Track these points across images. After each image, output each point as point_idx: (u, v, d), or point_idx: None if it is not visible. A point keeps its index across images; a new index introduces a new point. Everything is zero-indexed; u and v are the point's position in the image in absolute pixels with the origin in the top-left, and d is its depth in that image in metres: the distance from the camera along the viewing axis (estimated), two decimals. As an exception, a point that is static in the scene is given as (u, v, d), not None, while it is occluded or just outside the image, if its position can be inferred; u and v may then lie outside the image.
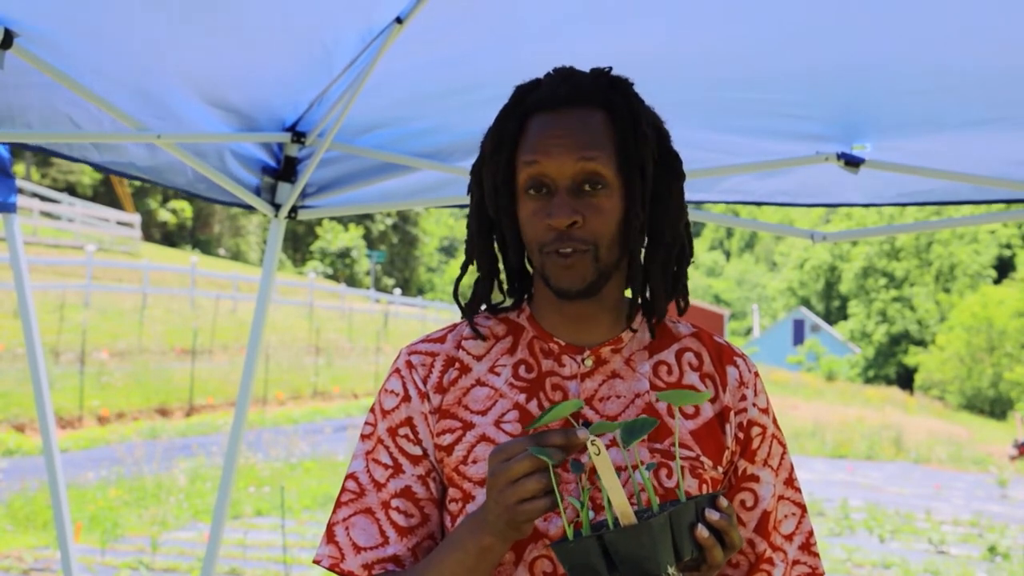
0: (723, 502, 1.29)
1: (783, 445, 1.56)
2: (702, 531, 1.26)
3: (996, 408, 40.57)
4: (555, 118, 1.44)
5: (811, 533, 1.57)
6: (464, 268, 1.57)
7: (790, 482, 1.56)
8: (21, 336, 13.77)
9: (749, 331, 67.39)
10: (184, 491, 11.41)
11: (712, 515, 1.27)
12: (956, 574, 9.95)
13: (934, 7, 2.16)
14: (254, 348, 3.05)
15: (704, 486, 1.45)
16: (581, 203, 1.41)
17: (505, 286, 1.54)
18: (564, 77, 1.48)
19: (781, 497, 1.54)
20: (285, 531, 8.55)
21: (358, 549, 1.48)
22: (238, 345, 22.39)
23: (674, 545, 1.24)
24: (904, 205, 3.16)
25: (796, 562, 1.54)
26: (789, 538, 1.54)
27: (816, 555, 1.56)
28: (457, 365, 1.50)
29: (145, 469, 12.06)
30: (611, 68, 1.50)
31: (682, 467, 1.43)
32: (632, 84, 1.49)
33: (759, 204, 3.22)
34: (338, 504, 1.51)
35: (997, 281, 52.67)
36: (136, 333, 21.28)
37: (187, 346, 20.53)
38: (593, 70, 1.49)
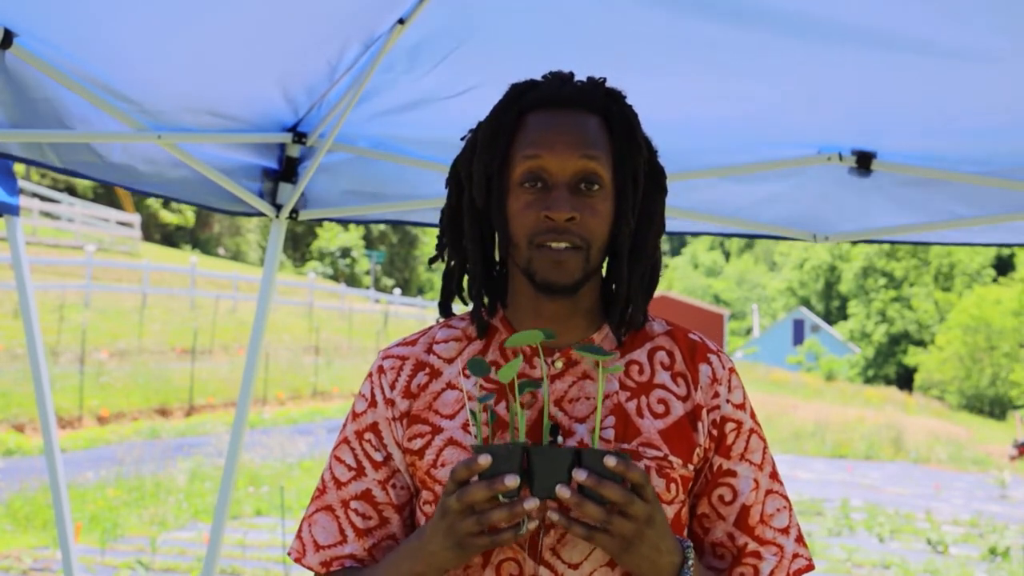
0: (610, 460, 1.30)
1: (763, 440, 1.56)
2: (562, 490, 1.30)
3: (996, 408, 40.57)
4: (555, 116, 1.46)
5: (799, 525, 1.58)
6: (431, 261, 1.59)
7: (775, 476, 1.57)
8: (21, 336, 13.79)
9: (749, 331, 67.38)
10: (184, 491, 11.40)
11: (578, 474, 1.30)
12: (956, 574, 9.95)
13: (939, 11, 2.16)
14: (255, 348, 3.04)
15: (672, 485, 1.46)
16: (578, 201, 1.43)
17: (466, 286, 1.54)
18: (564, 79, 1.51)
19: (769, 491, 1.55)
20: (285, 531, 8.55)
21: (318, 547, 1.53)
22: (238, 345, 22.38)
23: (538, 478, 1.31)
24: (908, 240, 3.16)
25: (796, 555, 1.55)
26: (785, 532, 1.55)
27: (806, 546, 1.58)
28: (427, 370, 1.52)
29: (145, 469, 12.05)
30: (605, 79, 1.52)
31: (649, 467, 1.45)
32: (626, 96, 1.52)
33: (758, 236, 3.23)
34: (310, 500, 1.57)
35: (996, 281, 52.66)
36: (136, 333, 21.27)
37: (187, 346, 20.52)
38: (589, 78, 1.52)
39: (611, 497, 1.29)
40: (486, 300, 1.53)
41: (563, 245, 1.42)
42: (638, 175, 1.48)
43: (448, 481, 1.34)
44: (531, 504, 1.30)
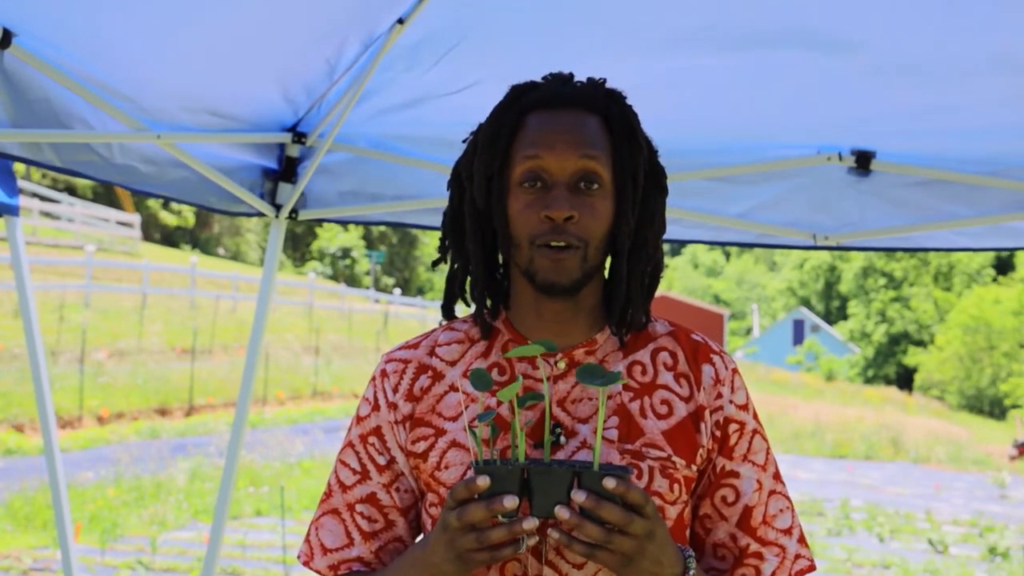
0: (609, 482, 1.29)
1: (766, 440, 1.57)
2: (561, 511, 1.30)
3: (996, 408, 40.55)
4: (555, 116, 1.46)
5: (800, 525, 1.59)
6: (434, 264, 1.58)
7: (777, 476, 1.58)
8: (21, 336, 13.82)
9: (749, 331, 67.37)
10: (183, 491, 11.40)
11: (577, 496, 1.30)
12: (956, 574, 9.95)
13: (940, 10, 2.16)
14: (254, 348, 3.04)
15: (676, 486, 1.46)
16: (577, 200, 1.43)
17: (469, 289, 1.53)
18: (564, 80, 1.51)
19: (772, 492, 1.56)
20: (285, 531, 8.55)
21: (325, 550, 1.55)
22: (238, 345, 22.38)
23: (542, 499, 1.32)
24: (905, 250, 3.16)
25: (798, 556, 1.56)
26: (787, 532, 1.55)
27: (808, 546, 1.59)
28: (430, 372, 1.53)
29: (144, 469, 12.05)
30: (605, 80, 1.52)
31: (653, 467, 1.45)
32: (626, 97, 1.52)
33: (758, 246, 3.23)
34: (318, 504, 1.59)
35: (996, 281, 52.66)
36: (136, 333, 21.26)
37: (187, 346, 20.52)
38: (589, 79, 1.52)
39: (610, 519, 1.29)
40: (488, 302, 1.53)
41: (562, 244, 1.42)
42: (638, 175, 1.48)
43: (448, 498, 1.34)
44: (530, 524, 1.31)
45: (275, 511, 10.71)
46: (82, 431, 15.08)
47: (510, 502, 1.30)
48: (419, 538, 1.57)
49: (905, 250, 3.16)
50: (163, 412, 17.38)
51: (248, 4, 2.33)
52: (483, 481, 1.31)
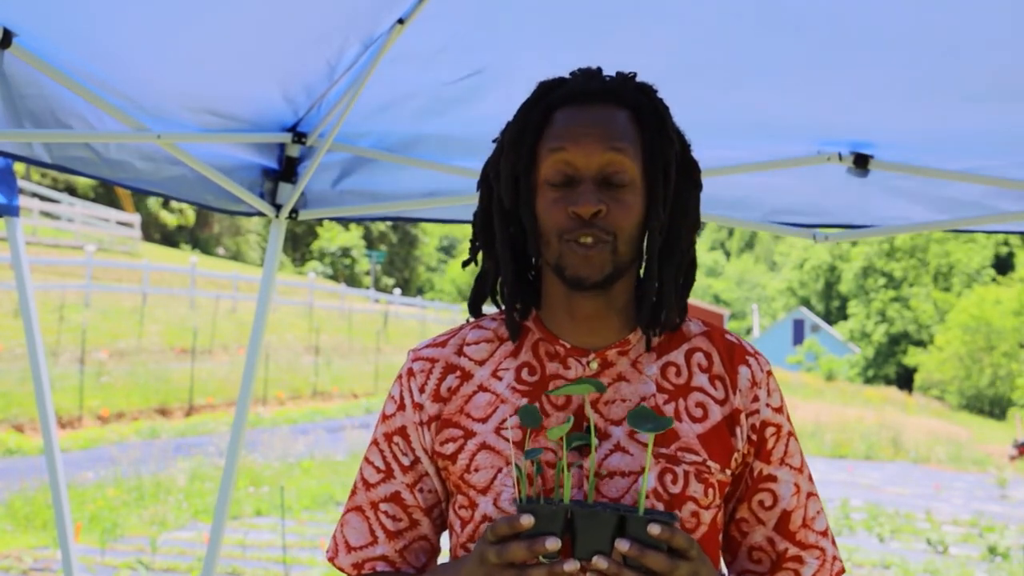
0: (654, 528, 1.28)
1: (798, 441, 1.56)
2: (599, 561, 1.28)
3: (996, 408, 40.56)
4: (583, 111, 1.43)
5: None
6: (464, 264, 1.55)
7: (811, 477, 1.57)
8: (21, 336, 13.78)
9: (749, 331, 67.36)
10: (183, 491, 11.40)
11: (621, 545, 1.28)
12: (956, 574, 9.95)
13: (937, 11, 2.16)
14: (255, 348, 3.04)
15: (710, 490, 1.44)
16: (605, 195, 1.40)
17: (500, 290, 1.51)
18: (592, 75, 1.48)
19: (810, 494, 1.55)
20: (285, 531, 8.55)
21: (349, 548, 1.54)
22: (238, 345, 22.38)
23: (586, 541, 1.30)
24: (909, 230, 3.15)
25: (835, 558, 1.56)
26: (824, 534, 1.55)
27: (837, 546, 1.59)
28: (458, 372, 1.50)
29: (144, 469, 12.06)
30: (635, 74, 1.49)
31: (688, 472, 1.42)
32: (656, 90, 1.49)
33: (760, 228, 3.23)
34: (347, 499, 1.58)
35: (996, 281, 52.67)
36: (136, 333, 21.27)
37: (187, 346, 20.52)
38: (619, 73, 1.49)
39: (654, 567, 1.28)
40: (518, 306, 1.49)
41: (590, 239, 1.39)
42: (669, 169, 1.44)
43: (488, 531, 1.32)
44: (571, 567, 1.29)
45: (275, 511, 10.71)
46: (82, 431, 15.08)
47: (552, 544, 1.28)
48: (444, 532, 1.56)
49: (906, 232, 3.15)
50: (163, 412, 17.38)
51: (248, 4, 2.33)
52: (527, 520, 1.29)
